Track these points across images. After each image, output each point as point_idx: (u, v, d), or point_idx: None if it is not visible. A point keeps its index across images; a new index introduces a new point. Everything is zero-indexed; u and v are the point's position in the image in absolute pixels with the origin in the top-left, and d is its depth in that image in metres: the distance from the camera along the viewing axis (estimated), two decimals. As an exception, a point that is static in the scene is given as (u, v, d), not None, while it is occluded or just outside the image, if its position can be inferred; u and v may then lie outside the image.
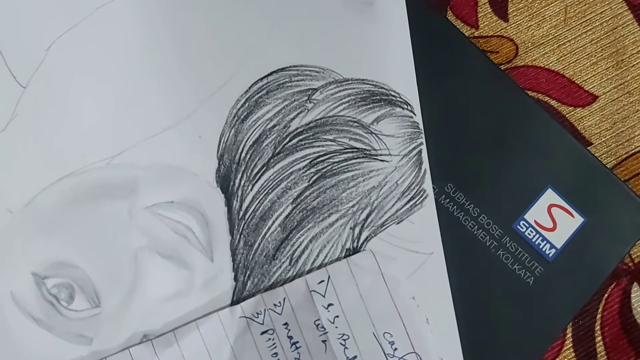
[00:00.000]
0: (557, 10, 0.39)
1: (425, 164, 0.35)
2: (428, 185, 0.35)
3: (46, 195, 0.34)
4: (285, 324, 0.33)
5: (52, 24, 0.35)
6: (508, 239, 0.35)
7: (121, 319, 0.33)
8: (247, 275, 0.34)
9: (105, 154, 0.34)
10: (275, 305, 0.34)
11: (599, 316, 0.36)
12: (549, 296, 0.35)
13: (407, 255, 0.35)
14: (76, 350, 0.33)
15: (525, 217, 0.35)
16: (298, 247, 0.34)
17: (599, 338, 0.36)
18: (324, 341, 0.33)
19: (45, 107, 0.34)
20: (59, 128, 0.34)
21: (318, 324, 0.33)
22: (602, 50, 0.39)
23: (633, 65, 0.39)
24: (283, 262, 0.34)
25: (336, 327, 0.33)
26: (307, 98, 0.35)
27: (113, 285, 0.34)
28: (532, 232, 0.35)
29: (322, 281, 0.34)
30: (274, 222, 0.35)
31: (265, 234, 0.34)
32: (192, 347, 0.33)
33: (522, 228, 0.35)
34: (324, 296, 0.34)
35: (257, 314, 0.33)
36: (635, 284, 0.37)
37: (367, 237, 0.35)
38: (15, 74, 0.34)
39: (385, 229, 0.35)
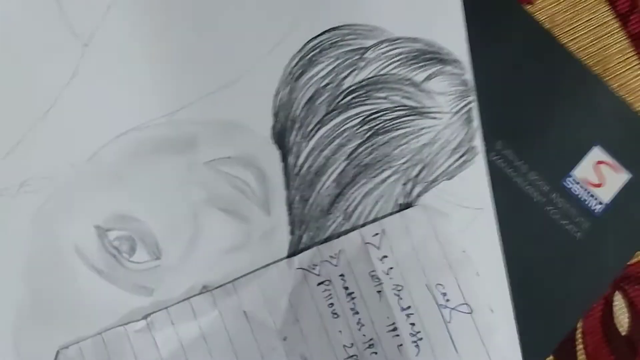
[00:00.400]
0: (542, 18, 0.38)
1: (476, 121, 0.36)
2: (479, 142, 0.36)
3: (109, 149, 0.35)
4: (342, 275, 0.34)
5: None
6: (556, 194, 0.36)
7: (181, 270, 0.34)
8: (302, 229, 0.35)
9: (165, 110, 0.35)
10: (331, 257, 0.34)
11: (580, 324, 0.36)
12: (596, 251, 0.36)
13: (458, 211, 0.35)
14: (138, 300, 0.34)
15: (574, 173, 0.36)
16: (352, 202, 0.35)
17: (581, 347, 0.36)
18: (378, 291, 0.34)
19: (107, 64, 0.35)
20: (120, 84, 0.35)
21: (373, 275, 0.34)
22: (588, 58, 0.38)
23: (619, 74, 0.38)
24: (337, 217, 0.35)
25: (390, 279, 0.34)
26: (359, 56, 0.36)
27: (173, 238, 0.35)
28: (579, 188, 0.36)
29: (377, 234, 0.35)
30: (328, 177, 0.35)
31: (320, 189, 0.35)
32: (250, 297, 0.34)
33: (570, 184, 0.36)
34: (378, 248, 0.34)
35: (314, 265, 0.34)
36: (617, 292, 0.37)
37: (419, 193, 0.36)
38: (77, 32, 0.35)
39: (436, 184, 0.36)
